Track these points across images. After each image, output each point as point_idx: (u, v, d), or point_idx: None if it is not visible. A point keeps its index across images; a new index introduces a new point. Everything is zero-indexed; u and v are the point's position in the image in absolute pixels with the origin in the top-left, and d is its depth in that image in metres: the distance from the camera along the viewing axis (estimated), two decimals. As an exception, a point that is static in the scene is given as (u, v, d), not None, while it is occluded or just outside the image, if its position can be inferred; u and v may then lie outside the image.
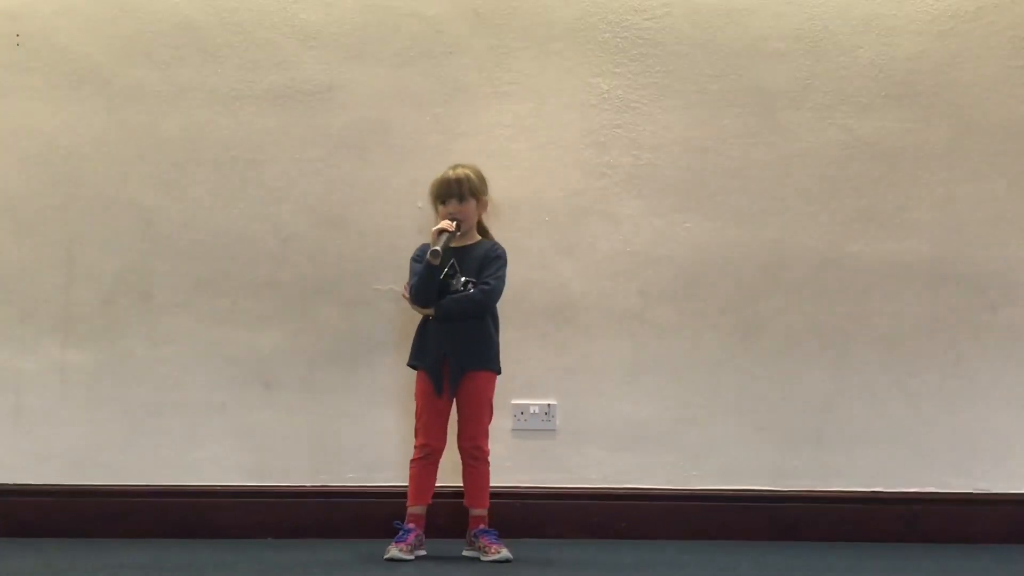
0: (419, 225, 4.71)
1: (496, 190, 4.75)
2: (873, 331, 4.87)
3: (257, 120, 4.84)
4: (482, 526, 4.28)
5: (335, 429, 4.80)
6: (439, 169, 4.46)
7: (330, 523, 4.71)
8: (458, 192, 4.34)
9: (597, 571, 3.94)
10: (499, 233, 4.72)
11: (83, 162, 4.82)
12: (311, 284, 4.83)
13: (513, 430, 4.81)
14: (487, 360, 4.35)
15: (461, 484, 4.38)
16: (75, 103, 4.83)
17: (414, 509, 4.31)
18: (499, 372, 4.39)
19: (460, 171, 4.37)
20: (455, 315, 4.30)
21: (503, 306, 4.51)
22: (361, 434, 4.78)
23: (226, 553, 4.30)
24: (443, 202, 4.35)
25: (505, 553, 4.17)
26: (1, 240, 4.81)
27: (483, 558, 4.19)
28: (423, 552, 4.26)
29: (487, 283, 4.32)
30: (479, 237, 4.44)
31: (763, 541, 4.74)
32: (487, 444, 4.34)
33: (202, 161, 4.84)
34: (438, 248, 4.17)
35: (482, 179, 4.42)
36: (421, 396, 4.34)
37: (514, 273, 4.76)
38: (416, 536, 4.25)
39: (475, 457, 4.32)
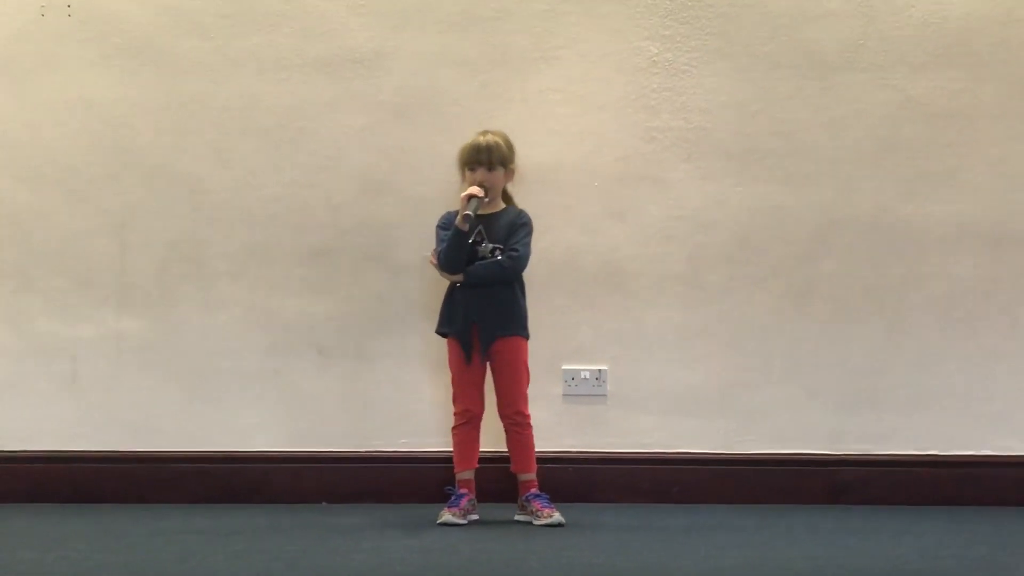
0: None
1: (545, 155, 4.75)
2: (927, 293, 4.83)
3: (306, 88, 4.85)
4: (533, 490, 4.29)
5: (387, 395, 4.82)
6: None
7: (383, 488, 4.74)
8: (487, 159, 4.32)
9: (649, 534, 3.94)
10: (549, 198, 4.73)
11: (136, 132, 4.86)
12: (361, 251, 4.85)
13: (564, 396, 4.82)
14: (516, 326, 4.34)
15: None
16: (127, 74, 4.87)
17: (462, 475, 4.33)
18: (528, 337, 4.38)
19: (490, 138, 4.35)
20: (484, 281, 4.29)
21: (539, 273, 4.53)
22: (413, 400, 4.80)
23: (281, 517, 4.34)
24: (471, 168, 4.34)
25: (557, 517, 4.18)
26: (56, 210, 4.86)
27: (535, 522, 4.20)
28: (476, 517, 4.28)
29: (515, 250, 4.31)
30: (504, 204, 4.43)
31: (816, 505, 4.72)
32: (527, 408, 4.34)
33: (252, 130, 4.86)
34: (469, 212, 4.17)
35: (511, 147, 4.40)
36: (454, 363, 4.36)
37: (563, 239, 4.77)
38: (468, 501, 4.26)
39: (517, 423, 4.32)
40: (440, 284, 4.68)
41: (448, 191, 4.73)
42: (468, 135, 4.51)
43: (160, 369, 4.83)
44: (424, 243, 4.73)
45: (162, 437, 4.80)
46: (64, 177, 4.86)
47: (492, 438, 4.42)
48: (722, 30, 4.86)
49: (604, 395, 4.83)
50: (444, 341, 4.44)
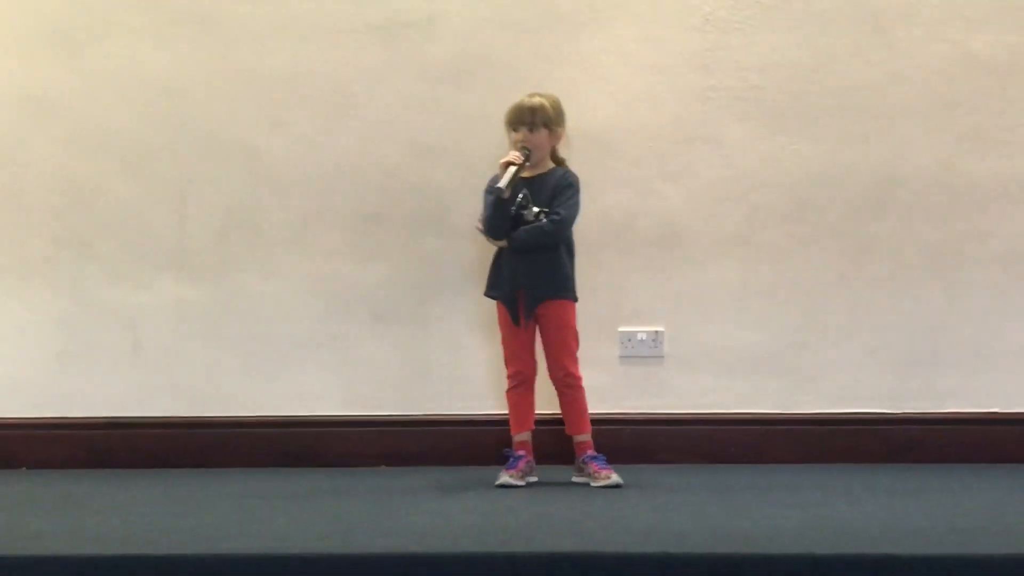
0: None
1: (599, 117, 4.74)
2: (987, 251, 4.77)
3: (358, 54, 4.86)
4: (589, 452, 4.29)
5: (444, 359, 4.84)
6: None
7: (441, 451, 4.77)
8: (530, 120, 4.27)
9: (707, 495, 3.94)
10: (604, 160, 4.72)
11: (190, 100, 4.89)
12: (417, 216, 4.86)
13: (620, 357, 4.81)
14: (561, 289, 4.31)
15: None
16: (180, 41, 4.89)
17: (519, 436, 4.33)
18: (575, 300, 4.35)
19: (536, 99, 4.30)
20: (528, 246, 4.27)
21: (594, 235, 4.53)
22: (469, 363, 4.82)
23: (341, 480, 4.38)
24: (514, 128, 4.30)
25: (615, 478, 4.18)
26: (113, 179, 4.91)
27: (593, 483, 4.20)
28: (534, 478, 4.29)
29: (557, 213, 4.26)
30: (551, 165, 4.37)
31: (875, 464, 4.70)
32: (578, 370, 4.32)
33: (306, 97, 4.88)
34: (502, 185, 4.15)
35: (559, 111, 4.34)
36: (503, 326, 4.35)
37: (619, 200, 4.75)
38: (527, 463, 4.27)
39: (568, 385, 4.31)
40: (493, 248, 4.69)
41: (501, 153, 4.72)
42: (521, 97, 4.50)
43: (219, 336, 4.87)
44: (478, 207, 4.73)
45: (222, 403, 4.86)
46: (121, 146, 4.91)
47: (547, 400, 4.42)
48: (776, -13, 4.82)
49: (661, 356, 4.83)
50: (495, 304, 4.45)
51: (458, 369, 4.83)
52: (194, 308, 4.88)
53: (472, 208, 4.72)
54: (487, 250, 4.55)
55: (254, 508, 3.70)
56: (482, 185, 4.55)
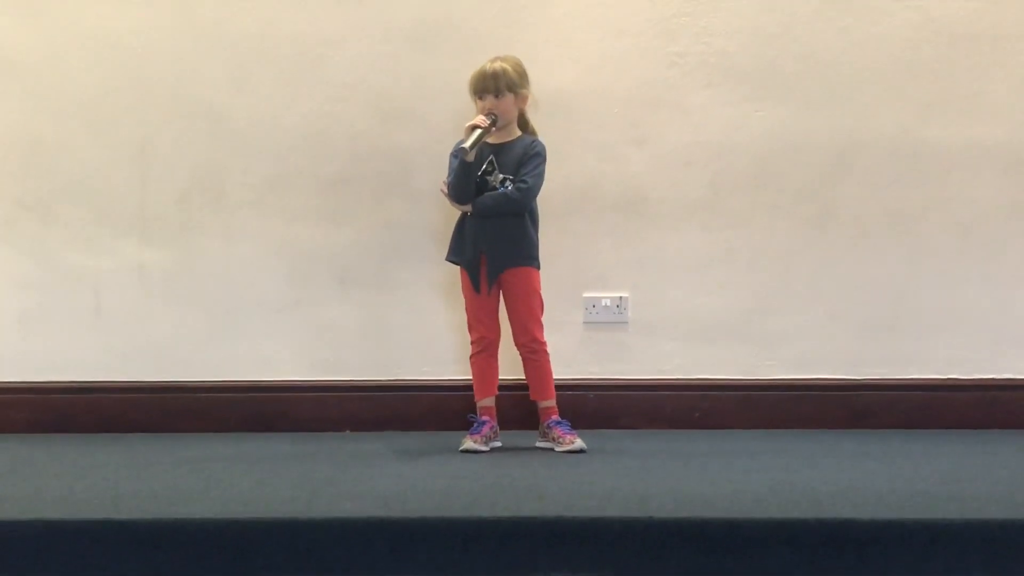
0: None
1: (564, 82, 4.73)
2: (949, 217, 4.80)
3: (324, 16, 4.83)
4: (554, 417, 4.30)
5: (408, 324, 4.84)
6: (506, 61, 4.42)
7: (405, 416, 4.78)
8: (494, 87, 4.25)
9: (671, 460, 3.96)
10: (568, 125, 4.70)
11: (153, 61, 4.85)
12: (382, 180, 4.84)
13: (585, 323, 4.83)
14: (524, 257, 4.30)
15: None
16: (144, 2, 4.85)
17: (483, 402, 4.34)
18: (538, 267, 4.34)
19: (497, 65, 4.27)
20: (491, 212, 4.26)
21: (558, 200, 4.54)
22: (434, 328, 4.82)
23: (305, 444, 4.38)
24: (480, 96, 4.28)
25: (579, 443, 4.19)
26: (76, 140, 4.87)
27: (557, 448, 4.22)
28: (498, 443, 4.30)
29: (524, 181, 4.25)
30: (519, 133, 4.36)
31: (838, 429, 4.73)
32: (543, 335, 4.32)
33: (271, 58, 4.85)
34: (466, 146, 4.13)
35: (521, 73, 4.32)
36: (466, 291, 4.35)
37: (583, 166, 4.75)
38: (490, 428, 4.28)
39: (533, 351, 4.31)
40: (458, 212, 4.68)
41: (467, 116, 4.70)
42: (486, 60, 4.48)
43: (183, 299, 4.85)
44: (443, 170, 4.72)
45: (186, 367, 4.84)
46: (83, 108, 4.86)
47: (510, 366, 4.43)
48: (742, -48, 4.81)
49: (625, 322, 4.84)
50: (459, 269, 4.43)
51: (423, 334, 4.83)
52: (157, 271, 4.86)
53: (437, 172, 4.70)
54: (453, 214, 4.53)
55: (217, 472, 3.69)
56: (447, 149, 4.54)
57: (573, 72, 4.77)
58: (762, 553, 2.76)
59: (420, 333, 4.83)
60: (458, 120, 4.69)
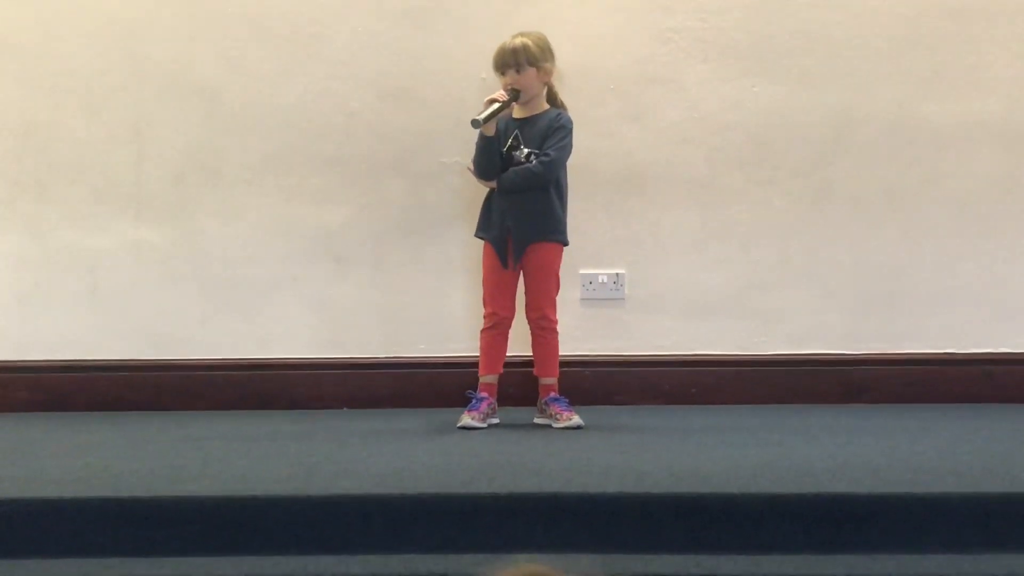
0: (483, 97, 4.66)
1: (559, 58, 4.69)
2: (946, 192, 4.80)
3: (319, -6, 4.82)
4: (552, 394, 4.31)
5: (405, 301, 4.84)
6: (503, 38, 4.36)
7: (403, 393, 4.78)
8: (514, 62, 4.24)
9: (667, 435, 3.97)
10: (564, 102, 4.69)
11: (148, 40, 4.84)
12: (378, 158, 4.84)
13: (582, 300, 4.83)
14: (550, 232, 4.31)
15: (531, 354, 4.40)
16: (138, -20, 4.84)
17: (486, 378, 4.34)
18: (565, 243, 4.35)
19: (518, 40, 4.27)
20: (516, 187, 4.26)
21: (570, 176, 4.51)
22: (431, 306, 4.82)
23: (303, 423, 4.38)
24: (502, 73, 4.28)
25: (576, 420, 4.20)
26: (70, 120, 4.85)
27: (554, 425, 4.22)
28: (496, 420, 4.30)
29: (547, 154, 4.25)
30: (546, 107, 4.36)
31: (834, 404, 4.74)
32: (555, 314, 4.34)
33: (266, 36, 4.83)
34: (478, 118, 4.12)
35: (544, 48, 4.31)
36: (487, 266, 4.34)
37: (579, 142, 4.72)
38: (488, 404, 4.28)
39: (543, 327, 4.33)
40: (459, 190, 4.69)
41: (463, 95, 4.70)
42: (482, 39, 4.49)
43: (179, 278, 4.85)
44: (439, 148, 4.74)
45: (183, 345, 4.84)
46: (78, 87, 4.85)
47: (513, 343, 4.43)
48: (738, -73, 4.79)
49: (622, 299, 4.84)
50: (463, 246, 4.45)
51: (420, 311, 4.83)
52: (153, 250, 4.85)
53: (433, 150, 4.72)
54: (449, 192, 4.55)
55: (215, 450, 3.70)
56: (443, 126, 4.55)
57: (568, 48, 4.75)
58: (759, 528, 2.77)
59: (417, 311, 4.83)
60: (454, 98, 4.71)
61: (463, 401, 4.34)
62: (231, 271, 4.84)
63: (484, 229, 4.37)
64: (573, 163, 4.72)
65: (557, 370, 4.35)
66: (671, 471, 3.17)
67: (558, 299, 4.48)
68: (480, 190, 4.41)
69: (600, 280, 4.83)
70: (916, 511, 2.77)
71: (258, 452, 3.67)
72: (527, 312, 4.34)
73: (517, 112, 4.29)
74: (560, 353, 4.43)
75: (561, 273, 4.53)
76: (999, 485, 2.91)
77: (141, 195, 4.85)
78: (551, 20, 4.74)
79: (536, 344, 4.36)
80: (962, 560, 2.69)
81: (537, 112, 4.33)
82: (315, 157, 4.84)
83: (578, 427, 4.18)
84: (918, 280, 4.81)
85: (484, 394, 4.30)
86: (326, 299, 4.84)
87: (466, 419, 4.21)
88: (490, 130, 4.18)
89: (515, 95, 4.23)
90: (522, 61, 4.24)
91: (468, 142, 4.49)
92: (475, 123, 4.13)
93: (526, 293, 4.34)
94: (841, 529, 2.77)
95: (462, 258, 4.74)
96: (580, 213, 4.76)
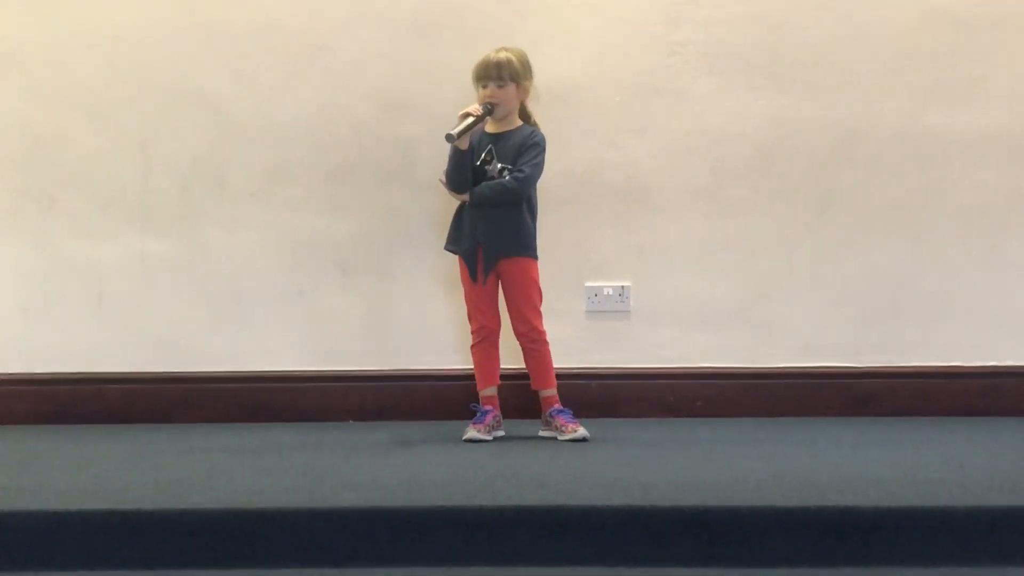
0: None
1: (565, 70, 4.73)
2: (951, 203, 4.80)
3: (325, 6, 4.83)
4: (556, 406, 4.30)
5: (411, 313, 4.84)
6: (506, 51, 4.40)
7: (409, 406, 4.78)
8: (496, 75, 4.24)
9: (673, 448, 3.96)
10: (569, 114, 4.71)
11: (154, 52, 4.85)
12: (384, 170, 4.84)
13: (587, 312, 4.83)
14: (521, 247, 4.29)
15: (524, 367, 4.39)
16: (144, -6, 4.86)
17: (485, 391, 4.34)
18: (535, 258, 4.33)
19: (502, 54, 4.27)
20: (488, 202, 4.26)
21: (560, 190, 4.53)
22: (437, 317, 4.82)
23: (308, 434, 4.38)
24: (482, 84, 4.27)
25: (582, 432, 4.20)
26: (77, 131, 4.87)
27: (560, 437, 4.22)
28: (501, 433, 4.30)
29: (521, 170, 4.24)
30: (519, 123, 4.35)
31: (839, 417, 4.74)
32: (542, 324, 4.32)
33: (271, 49, 4.84)
34: (453, 132, 4.12)
35: (526, 65, 4.32)
36: (464, 281, 4.35)
37: (585, 154, 4.75)
38: (493, 417, 4.28)
39: (532, 340, 4.31)
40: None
41: (468, 107, 4.70)
42: (487, 51, 4.48)
43: (185, 289, 4.86)
44: (445, 160, 4.73)
45: (188, 357, 4.84)
46: (84, 98, 4.87)
47: (512, 355, 4.43)
48: (743, -60, 4.80)
49: (627, 311, 4.84)
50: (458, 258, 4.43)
51: (425, 323, 4.84)
52: (159, 261, 4.86)
53: (438, 161, 4.70)
54: (453, 204, 4.53)
55: (220, 463, 3.70)
56: (449, 138, 4.53)
57: (574, 60, 4.77)
58: (764, 541, 2.77)
59: (423, 322, 4.84)
60: (459, 109, 4.69)
61: (469, 413, 4.34)
62: (237, 282, 4.85)
63: (454, 242, 4.37)
64: (579, 175, 4.75)
65: (554, 380, 4.33)
66: (676, 484, 3.17)
67: (564, 311, 4.49)
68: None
69: (605, 292, 4.83)
70: (922, 524, 2.77)
71: (263, 464, 3.66)
72: (515, 327, 4.32)
73: (491, 127, 4.29)
74: (566, 365, 4.44)
75: (567, 285, 4.54)
76: (1005, 498, 2.90)
77: (147, 207, 4.86)
78: (557, 31, 4.75)
79: (528, 358, 4.34)
80: (968, 573, 2.68)
81: (511, 128, 4.33)
82: (321, 168, 4.85)
83: (583, 439, 4.17)
84: (923, 292, 4.80)
85: (488, 407, 4.30)
86: (331, 310, 4.85)
87: (471, 432, 4.21)
88: (463, 144, 4.18)
89: (490, 109, 4.23)
90: (505, 75, 4.25)
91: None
92: (449, 137, 4.13)
93: (510, 310, 4.33)
94: (847, 542, 2.76)
95: (467, 270, 4.75)
96: (585, 224, 4.78)
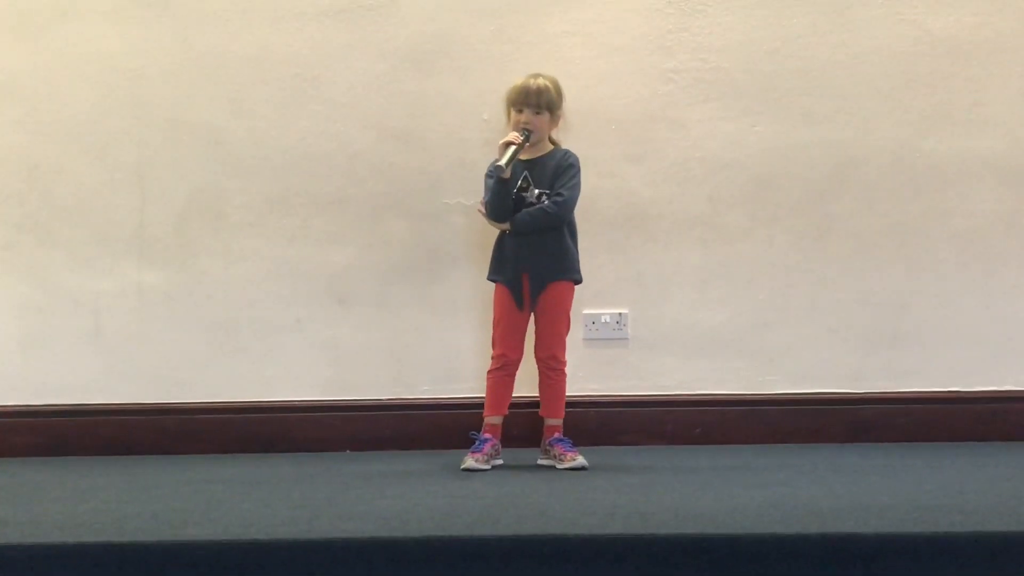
0: (485, 137, 4.70)
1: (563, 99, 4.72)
2: (948, 229, 4.81)
3: (321, 37, 4.84)
4: (557, 435, 4.30)
5: (408, 343, 4.84)
6: (504, 80, 4.40)
7: (406, 435, 4.77)
8: (535, 102, 4.25)
9: (672, 476, 3.95)
10: (567, 142, 4.70)
11: (150, 84, 4.86)
12: (380, 200, 4.85)
13: (585, 339, 4.82)
14: (566, 270, 4.31)
15: (536, 394, 4.39)
16: (141, 25, 4.87)
17: (491, 419, 4.33)
18: (579, 281, 4.36)
19: (541, 81, 4.28)
20: (531, 229, 4.26)
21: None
22: (434, 347, 4.81)
23: (306, 466, 4.37)
24: (518, 110, 4.28)
25: (580, 460, 4.18)
26: (74, 163, 4.87)
27: (558, 466, 4.21)
28: (499, 462, 4.29)
29: (560, 194, 4.26)
30: (551, 147, 4.37)
31: (839, 443, 4.73)
32: (564, 355, 4.33)
33: (268, 80, 4.85)
34: (502, 163, 4.14)
35: (560, 94, 4.32)
36: (500, 307, 4.32)
37: (583, 182, 4.73)
38: (492, 446, 4.27)
39: (552, 367, 4.32)
40: (462, 230, 4.69)
41: (465, 136, 4.72)
42: (484, 81, 4.51)
43: (182, 321, 4.85)
44: (441, 189, 4.74)
45: (186, 388, 4.84)
46: (81, 130, 4.87)
47: (520, 383, 4.41)
48: (737, -32, 4.82)
49: (625, 338, 4.84)
50: (466, 287, 4.45)
51: (423, 353, 4.83)
52: (156, 293, 4.86)
53: (435, 190, 4.73)
54: (452, 232, 4.55)
55: (218, 494, 3.68)
56: (445, 167, 4.55)
57: (570, 89, 4.74)
58: (765, 569, 2.75)
59: (420, 352, 4.83)
60: (456, 139, 4.71)
61: (467, 442, 4.33)
62: (234, 313, 4.85)
63: (497, 272, 4.36)
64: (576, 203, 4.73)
65: (563, 411, 4.33)
66: (675, 512, 3.16)
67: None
68: (487, 231, 4.41)
69: (603, 320, 4.83)
70: (923, 551, 2.75)
71: (261, 495, 3.65)
72: (537, 352, 4.33)
73: (524, 154, 4.29)
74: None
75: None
76: (1006, 524, 2.89)
77: (144, 238, 4.86)
78: (553, 61, 4.76)
79: (544, 384, 4.34)
80: (970, 600, 2.67)
81: (544, 153, 4.34)
82: (318, 198, 4.85)
83: (582, 468, 4.16)
84: (922, 317, 4.80)
85: (488, 435, 4.28)
86: (329, 341, 4.84)
87: (469, 461, 4.19)
88: (507, 172, 4.18)
89: (527, 135, 4.24)
90: (543, 103, 4.26)
91: (471, 182, 4.51)
92: (499, 169, 4.13)
93: (537, 333, 4.33)
94: (848, 569, 2.74)
95: (466, 298, 4.75)
96: (583, 253, 4.75)
